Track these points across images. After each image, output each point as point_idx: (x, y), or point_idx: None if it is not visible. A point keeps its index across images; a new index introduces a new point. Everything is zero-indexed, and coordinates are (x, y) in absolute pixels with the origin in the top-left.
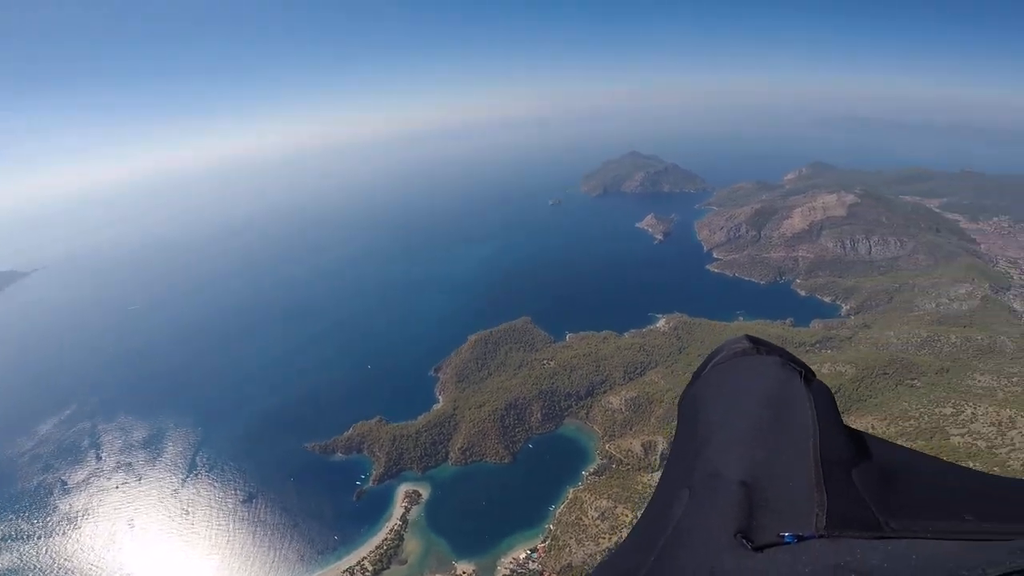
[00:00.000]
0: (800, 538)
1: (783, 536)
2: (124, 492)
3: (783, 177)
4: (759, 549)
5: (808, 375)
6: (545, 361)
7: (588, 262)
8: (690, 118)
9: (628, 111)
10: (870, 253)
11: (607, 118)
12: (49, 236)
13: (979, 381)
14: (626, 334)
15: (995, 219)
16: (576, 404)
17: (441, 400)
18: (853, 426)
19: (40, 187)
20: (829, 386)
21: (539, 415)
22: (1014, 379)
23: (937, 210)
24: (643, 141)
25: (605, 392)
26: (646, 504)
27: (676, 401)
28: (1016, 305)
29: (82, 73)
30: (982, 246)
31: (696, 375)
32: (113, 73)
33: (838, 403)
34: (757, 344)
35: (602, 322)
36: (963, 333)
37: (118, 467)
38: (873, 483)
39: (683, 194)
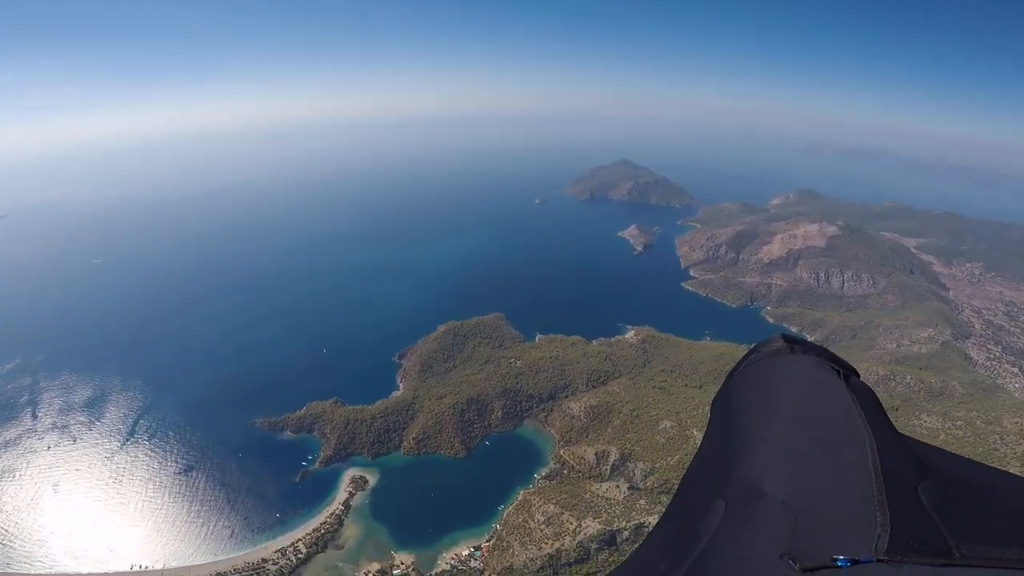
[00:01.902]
0: (855, 562)
1: (835, 560)
2: (55, 454)
3: (769, 201)
4: (807, 571)
5: (848, 375)
6: (512, 359)
7: (566, 265)
8: (686, 132)
9: (625, 119)
10: (842, 288)
11: (603, 123)
12: (22, 186)
13: (925, 422)
14: (594, 341)
15: (968, 264)
16: (537, 406)
17: (401, 388)
18: None
19: (13, 139)
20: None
21: (500, 413)
22: (958, 423)
23: (914, 250)
24: (636, 151)
25: (567, 397)
26: (668, 505)
27: (635, 415)
28: (972, 353)
29: (57, 31)
30: (951, 292)
31: (731, 375)
32: (96, 32)
33: None
34: (792, 343)
35: (572, 326)
36: (918, 375)
37: (53, 427)
38: (943, 501)
39: (669, 208)
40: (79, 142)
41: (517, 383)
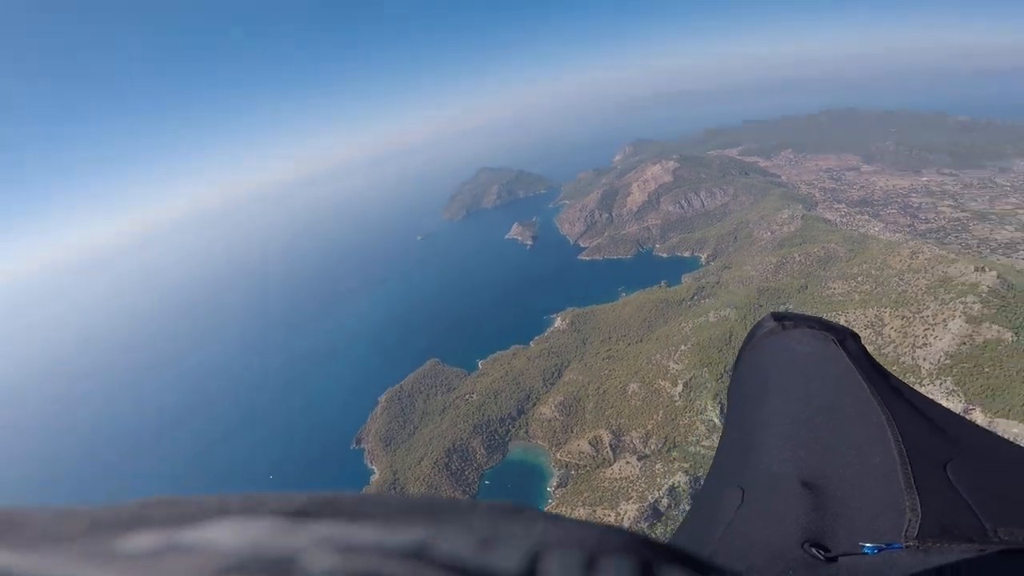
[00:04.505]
0: (884, 548)
1: (862, 546)
2: None
3: (613, 159)
4: (832, 560)
5: (843, 339)
6: (467, 396)
7: (472, 285)
8: (521, 125)
9: (466, 132)
10: (704, 206)
11: (445, 142)
12: None
13: (834, 289)
14: (531, 343)
15: (782, 153)
16: (513, 426)
17: (377, 470)
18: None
19: None
20: (726, 332)
21: (482, 450)
22: (859, 279)
23: (739, 157)
24: (488, 156)
25: (534, 405)
26: (692, 502)
27: (602, 392)
28: (828, 216)
29: None
30: (782, 177)
31: (735, 364)
32: None
33: (740, 346)
34: (783, 319)
35: (506, 339)
36: (802, 250)
37: None
38: (974, 480)
39: (536, 196)
40: None
41: (483, 415)
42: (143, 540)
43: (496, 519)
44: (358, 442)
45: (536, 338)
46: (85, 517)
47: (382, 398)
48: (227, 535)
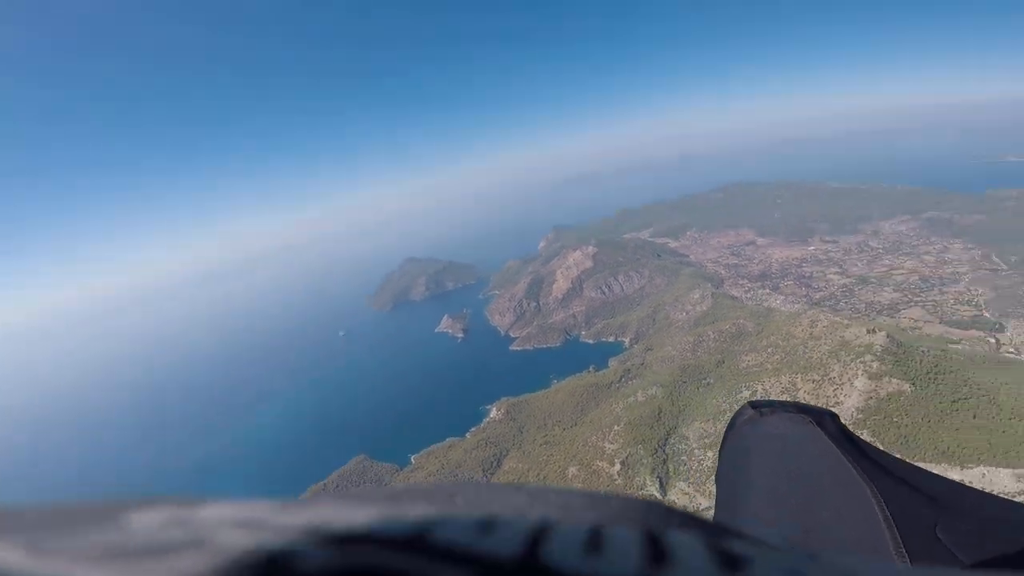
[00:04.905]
0: None
1: None
2: None
3: (538, 246)
4: None
5: (820, 419)
6: None
7: (402, 380)
8: (448, 214)
9: (389, 221)
10: (623, 290)
11: (373, 233)
12: None
13: (748, 361)
14: (467, 434)
15: (688, 232)
16: None
17: None
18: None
19: None
20: (655, 410)
21: None
22: (768, 350)
23: (650, 239)
24: (415, 246)
25: None
26: None
27: (543, 477)
28: (735, 292)
29: None
30: (690, 256)
31: (719, 453)
32: None
33: (670, 422)
34: (760, 406)
35: (440, 432)
36: (715, 328)
37: None
38: (966, 540)
39: (466, 287)
40: None
41: None
42: (142, 535)
43: (495, 500)
44: None
45: (472, 429)
46: (81, 513)
47: (303, 497)
48: (225, 530)
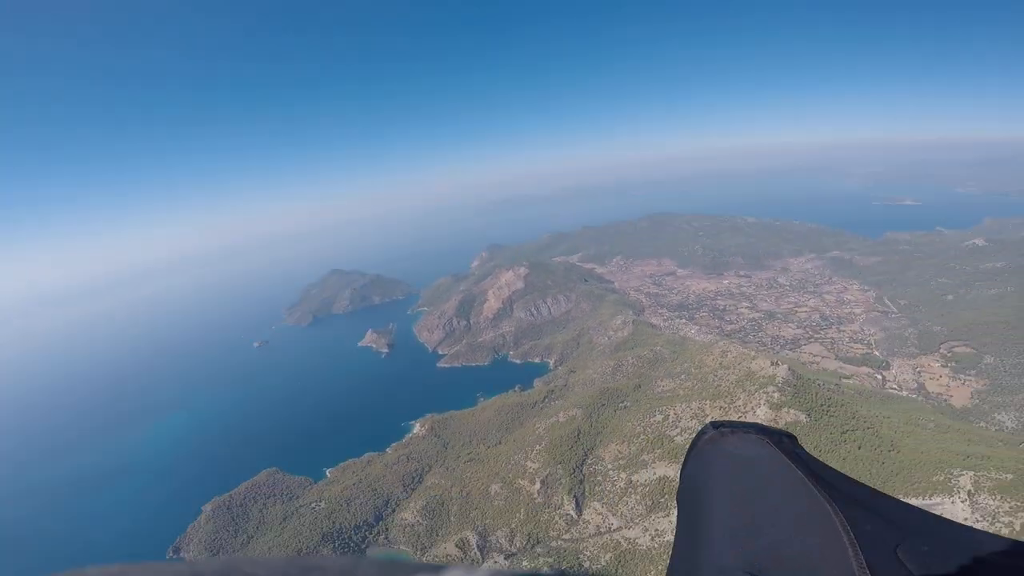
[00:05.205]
0: None
1: None
2: None
3: (471, 265)
4: None
5: (779, 439)
6: (313, 503)
7: (320, 395)
8: (379, 228)
9: (316, 231)
10: (551, 313)
11: (293, 240)
12: None
13: (663, 386)
14: (388, 449)
15: (614, 259)
16: (370, 533)
17: None
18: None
19: None
20: (575, 431)
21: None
22: (681, 377)
23: (579, 263)
24: (341, 257)
25: (394, 510)
26: None
27: (466, 494)
28: (654, 321)
29: None
30: (615, 283)
31: (681, 473)
32: None
33: (588, 443)
34: (721, 427)
35: (358, 447)
36: (634, 353)
37: None
38: (927, 562)
39: (393, 302)
40: None
41: (333, 522)
42: None
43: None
44: (176, 551)
45: (394, 444)
46: None
47: (207, 507)
48: None
